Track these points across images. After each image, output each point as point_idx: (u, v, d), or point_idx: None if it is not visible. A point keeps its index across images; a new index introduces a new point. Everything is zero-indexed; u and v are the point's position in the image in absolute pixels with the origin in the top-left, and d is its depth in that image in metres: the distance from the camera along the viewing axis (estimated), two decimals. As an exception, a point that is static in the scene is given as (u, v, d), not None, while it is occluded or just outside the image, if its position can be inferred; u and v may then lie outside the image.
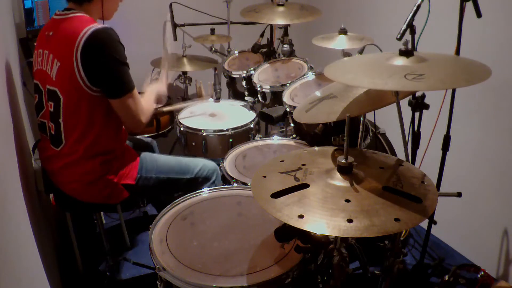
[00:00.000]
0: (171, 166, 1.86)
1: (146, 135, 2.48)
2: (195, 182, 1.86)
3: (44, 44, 1.64)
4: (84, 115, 1.61)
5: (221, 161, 1.90)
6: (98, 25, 1.56)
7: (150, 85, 1.92)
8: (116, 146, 1.75)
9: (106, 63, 1.56)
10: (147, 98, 1.82)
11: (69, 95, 1.59)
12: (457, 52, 1.59)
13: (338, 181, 1.10)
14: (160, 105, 1.98)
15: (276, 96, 2.22)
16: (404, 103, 1.46)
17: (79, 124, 1.61)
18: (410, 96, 1.59)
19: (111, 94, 1.60)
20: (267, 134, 2.65)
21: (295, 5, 2.43)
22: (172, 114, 2.66)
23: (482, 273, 1.88)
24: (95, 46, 1.53)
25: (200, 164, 1.90)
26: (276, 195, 1.07)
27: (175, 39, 2.82)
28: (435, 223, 1.80)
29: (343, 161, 1.10)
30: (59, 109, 1.61)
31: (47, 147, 1.72)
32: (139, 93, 1.70)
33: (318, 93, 1.57)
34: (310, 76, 2.21)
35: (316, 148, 1.34)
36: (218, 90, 2.50)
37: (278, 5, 2.40)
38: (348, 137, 1.08)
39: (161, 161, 1.86)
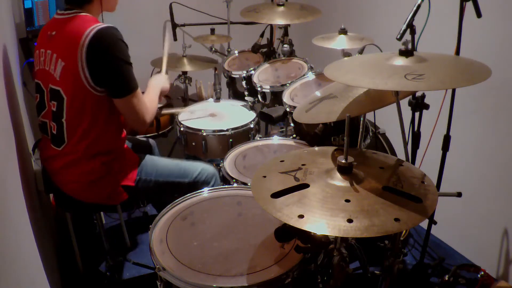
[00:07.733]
0: (170, 170, 1.85)
1: (146, 135, 2.48)
2: (194, 186, 1.84)
3: (46, 44, 1.64)
4: (87, 115, 1.61)
5: (221, 161, 1.90)
6: (102, 24, 1.56)
7: (151, 83, 1.91)
8: (116, 146, 1.75)
9: (110, 62, 1.55)
10: (151, 97, 1.81)
11: (73, 95, 1.59)
12: (457, 52, 1.59)
13: (338, 181, 1.09)
14: (160, 105, 1.98)
15: (276, 96, 2.22)
16: (404, 103, 1.46)
17: (82, 123, 1.61)
18: (410, 96, 1.59)
19: (116, 94, 1.60)
20: (267, 134, 2.65)
21: (295, 5, 2.43)
22: (172, 114, 2.66)
23: (482, 273, 1.88)
24: (99, 45, 1.53)
25: (199, 168, 1.89)
26: (276, 195, 1.07)
27: (175, 39, 2.82)
28: (435, 223, 1.80)
29: (343, 161, 1.10)
30: (62, 109, 1.61)
31: (48, 147, 1.72)
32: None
33: (318, 93, 1.57)
34: (310, 76, 2.21)
35: (316, 148, 1.34)
36: (218, 90, 2.50)
37: (278, 5, 2.40)
38: (348, 137, 1.08)
39: (160, 164, 1.86)
